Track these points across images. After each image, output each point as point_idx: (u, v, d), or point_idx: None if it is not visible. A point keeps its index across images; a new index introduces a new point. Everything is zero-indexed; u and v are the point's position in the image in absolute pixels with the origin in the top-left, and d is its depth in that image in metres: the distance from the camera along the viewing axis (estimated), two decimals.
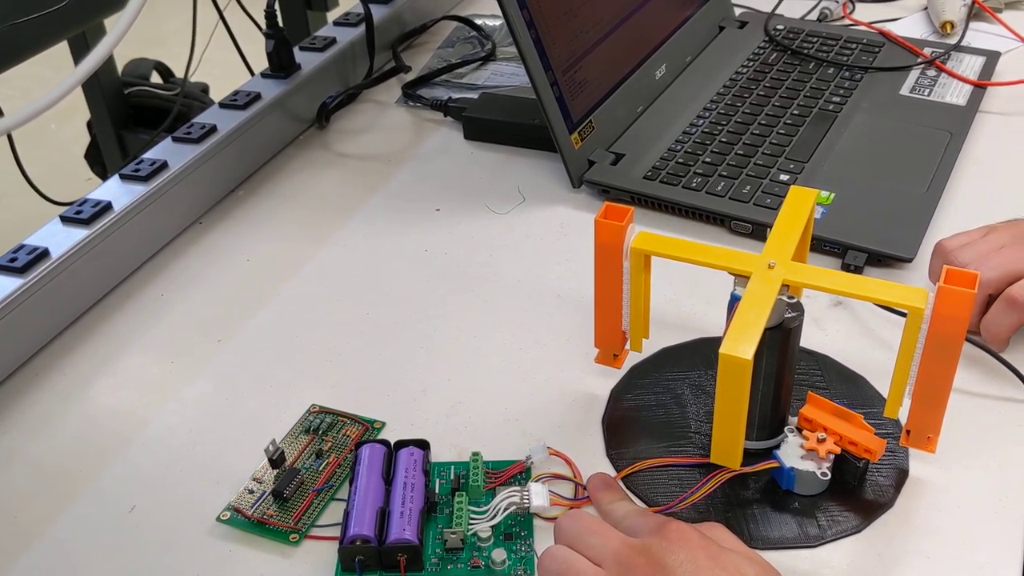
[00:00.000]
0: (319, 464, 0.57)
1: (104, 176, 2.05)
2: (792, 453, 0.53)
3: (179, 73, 2.16)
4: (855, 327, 0.65)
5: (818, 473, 0.52)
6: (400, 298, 0.70)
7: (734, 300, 0.51)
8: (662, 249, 0.53)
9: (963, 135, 0.81)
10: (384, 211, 0.80)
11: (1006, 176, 0.78)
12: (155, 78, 2.06)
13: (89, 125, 2.02)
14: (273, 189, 0.84)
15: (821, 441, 0.53)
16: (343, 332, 0.67)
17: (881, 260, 0.69)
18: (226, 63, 1.80)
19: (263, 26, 0.87)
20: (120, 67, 1.92)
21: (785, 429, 0.54)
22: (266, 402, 0.62)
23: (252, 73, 1.08)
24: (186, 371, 0.65)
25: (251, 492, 0.55)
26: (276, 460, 0.56)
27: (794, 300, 0.51)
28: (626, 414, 0.59)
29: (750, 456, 0.55)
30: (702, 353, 0.63)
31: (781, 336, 0.51)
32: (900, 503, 0.53)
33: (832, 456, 0.52)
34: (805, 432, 0.54)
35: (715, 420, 0.48)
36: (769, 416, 0.54)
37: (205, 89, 2.19)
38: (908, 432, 0.51)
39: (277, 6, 0.86)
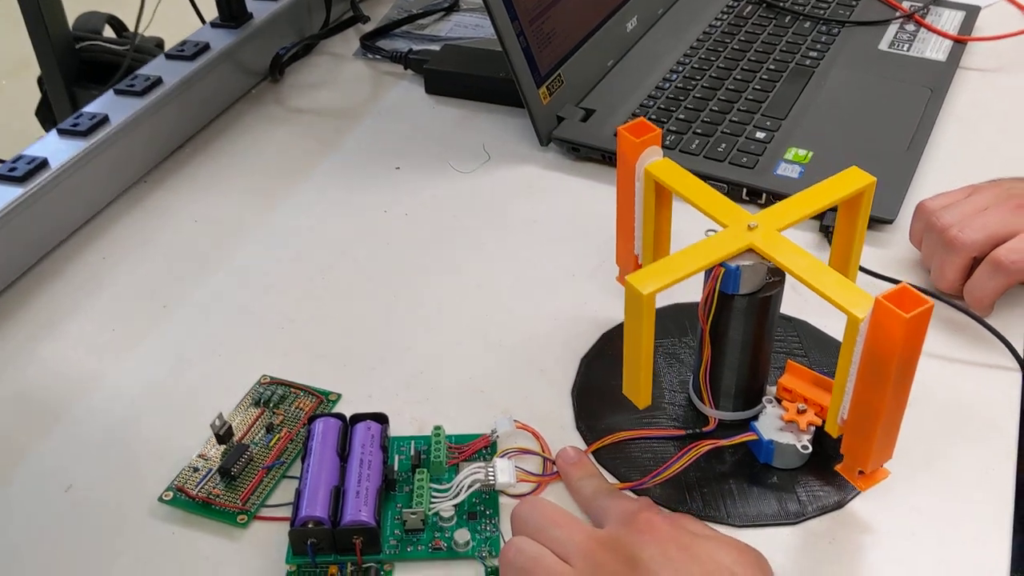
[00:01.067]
0: (269, 439, 0.53)
1: None
2: (771, 425, 0.50)
3: (133, 27, 2.08)
4: None
5: (798, 446, 0.49)
6: (357, 262, 0.66)
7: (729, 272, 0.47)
8: (669, 180, 0.50)
9: (943, 92, 0.78)
10: (341, 169, 0.76)
11: (988, 134, 0.76)
12: (109, 33, 1.98)
13: (40, 81, 1.94)
14: (223, 146, 0.79)
15: (801, 412, 0.50)
16: (296, 298, 0.63)
17: None
18: (182, 19, 1.72)
19: None
20: (71, 21, 1.84)
21: (763, 399, 0.52)
22: (214, 372, 0.58)
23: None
24: (129, 339, 0.61)
25: (196, 470, 0.51)
26: (223, 435, 0.52)
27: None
28: (597, 384, 0.56)
29: (727, 428, 0.52)
30: (676, 320, 0.60)
31: (759, 304, 0.48)
32: None
33: (812, 428, 0.50)
34: (784, 403, 0.51)
35: (624, 351, 0.46)
36: (746, 386, 0.52)
37: (160, 44, 2.10)
38: (842, 456, 0.47)
39: None
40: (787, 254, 0.46)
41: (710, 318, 0.49)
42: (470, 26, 0.95)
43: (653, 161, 0.51)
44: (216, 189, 0.74)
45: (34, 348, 0.61)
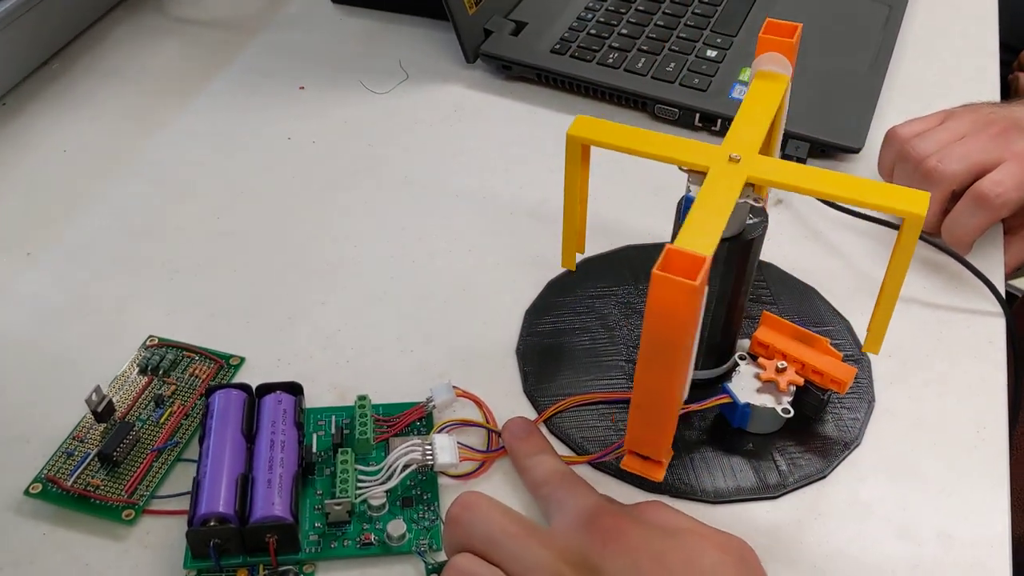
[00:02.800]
0: (159, 415, 0.44)
1: None
2: (746, 385, 0.44)
3: None
4: (800, 229, 0.56)
5: (778, 409, 0.43)
6: (258, 199, 0.57)
7: (688, 202, 0.40)
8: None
9: (902, 8, 0.72)
10: (235, 89, 0.66)
11: (949, 54, 0.70)
12: None
13: None
14: (95, 62, 0.67)
15: (781, 371, 0.44)
16: (186, 243, 0.54)
17: (825, 150, 0.60)
18: None
19: None
20: None
21: (736, 356, 0.45)
22: (89, 334, 0.49)
23: None
24: None
25: (70, 456, 0.43)
26: (102, 412, 0.44)
27: (760, 204, 0.41)
28: (544, 340, 0.49)
29: (694, 388, 0.46)
30: (629, 264, 0.53)
31: (740, 249, 0.41)
32: (869, 439, 0.45)
33: (793, 388, 0.44)
34: (760, 360, 0.45)
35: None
36: (718, 341, 0.45)
37: None
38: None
39: None
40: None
41: None
42: None
43: (766, 69, 0.43)
44: (88, 112, 0.63)
45: None
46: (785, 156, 0.59)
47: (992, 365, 0.48)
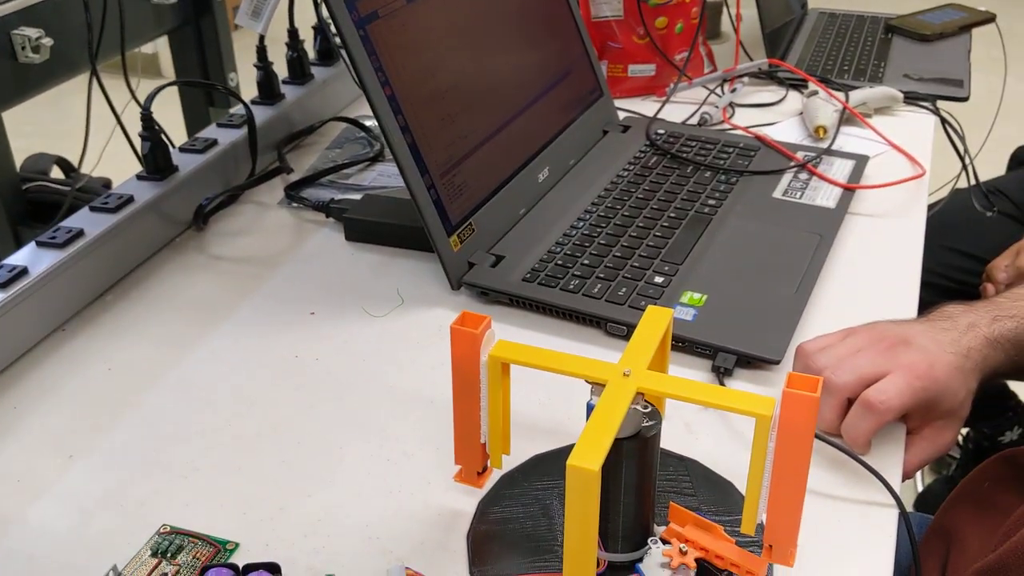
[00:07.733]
0: None
1: None
2: (655, 565, 0.52)
3: (85, 169, 2.12)
4: (725, 431, 0.64)
5: None
6: (265, 408, 0.68)
7: (590, 409, 0.50)
8: (520, 357, 0.52)
9: (832, 237, 0.84)
10: (256, 315, 0.78)
11: (870, 277, 0.80)
12: (57, 173, 2.03)
13: None
14: (143, 294, 0.81)
15: (683, 553, 0.52)
16: (201, 446, 0.64)
17: (750, 362, 0.69)
18: (132, 158, 1.77)
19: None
20: (19, 162, 1.88)
21: (649, 540, 0.53)
22: (114, 523, 0.58)
23: None
24: (31, 491, 0.61)
25: None
26: None
27: (649, 409, 0.51)
28: (492, 528, 0.57)
29: (614, 570, 0.54)
30: (557, 464, 0.62)
31: (639, 445, 0.50)
32: None
33: (693, 572, 0.51)
34: (669, 545, 0.52)
35: (566, 535, 0.47)
36: (632, 527, 0.53)
37: (107, 184, 2.15)
38: (770, 547, 0.50)
39: (152, 108, 0.84)
40: (676, 387, 0.49)
41: None
42: (393, 175, 0.99)
43: (493, 345, 0.53)
44: (132, 337, 0.76)
45: None
46: (715, 367, 0.69)
47: (882, 552, 0.55)
